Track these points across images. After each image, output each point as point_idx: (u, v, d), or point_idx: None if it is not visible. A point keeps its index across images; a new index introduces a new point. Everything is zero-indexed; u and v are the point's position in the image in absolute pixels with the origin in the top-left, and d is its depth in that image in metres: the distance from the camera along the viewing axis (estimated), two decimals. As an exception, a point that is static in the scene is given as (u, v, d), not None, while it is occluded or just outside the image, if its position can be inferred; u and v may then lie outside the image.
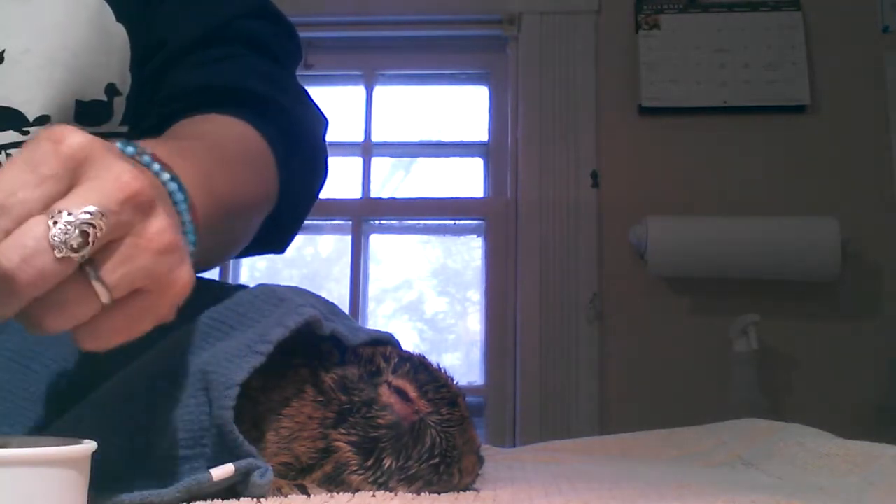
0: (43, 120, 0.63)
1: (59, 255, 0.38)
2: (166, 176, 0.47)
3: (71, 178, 0.39)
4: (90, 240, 0.38)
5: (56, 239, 0.38)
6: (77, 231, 0.38)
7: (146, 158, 0.47)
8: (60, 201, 0.38)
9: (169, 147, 0.51)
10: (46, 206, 0.38)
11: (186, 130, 0.65)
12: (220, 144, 0.62)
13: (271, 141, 0.71)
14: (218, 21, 0.74)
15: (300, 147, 0.75)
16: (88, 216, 0.38)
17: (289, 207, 0.74)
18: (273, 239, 0.77)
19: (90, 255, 0.39)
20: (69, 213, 0.38)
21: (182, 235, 0.45)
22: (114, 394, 0.51)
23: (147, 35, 0.71)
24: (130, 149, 0.47)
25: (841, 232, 1.88)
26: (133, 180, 0.40)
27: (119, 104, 0.69)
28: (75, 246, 0.38)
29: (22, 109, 0.62)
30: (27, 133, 0.62)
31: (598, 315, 2.01)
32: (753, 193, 2.04)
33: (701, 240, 1.94)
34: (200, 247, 0.50)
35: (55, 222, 0.38)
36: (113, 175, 0.40)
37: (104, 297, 0.40)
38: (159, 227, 0.41)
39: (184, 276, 0.43)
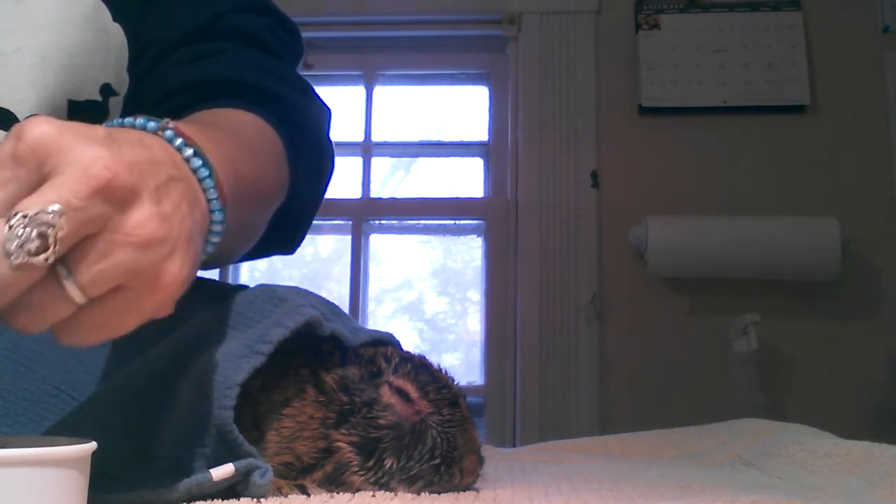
0: None
1: (16, 262, 0.35)
2: (189, 151, 0.45)
3: (38, 174, 0.37)
4: (50, 241, 0.35)
5: (10, 245, 0.35)
6: (35, 233, 0.35)
7: (168, 133, 0.44)
8: (20, 202, 0.36)
9: (191, 125, 0.48)
10: (9, 210, 0.36)
11: (200, 120, 0.62)
12: (237, 133, 0.60)
13: (279, 132, 0.69)
14: (209, 15, 0.72)
15: (305, 139, 0.73)
16: (47, 216, 0.35)
17: (297, 203, 0.71)
18: (282, 238, 0.74)
19: (57, 256, 0.36)
20: (24, 216, 0.35)
21: (194, 222, 0.42)
22: (114, 394, 0.51)
23: (139, 34, 0.69)
24: (152, 124, 0.45)
25: (841, 232, 1.88)
26: (103, 170, 0.37)
27: (115, 104, 0.68)
28: (32, 250, 0.35)
29: (13, 109, 0.61)
30: None
31: (598, 315, 2.01)
32: (753, 193, 2.04)
33: (701, 240, 1.94)
34: (226, 229, 0.48)
35: (10, 227, 0.35)
36: (80, 167, 0.36)
37: (77, 298, 0.37)
38: (140, 218, 0.38)
39: (172, 271, 0.39)
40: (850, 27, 2.08)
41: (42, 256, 0.35)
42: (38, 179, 0.37)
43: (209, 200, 0.46)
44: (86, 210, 0.36)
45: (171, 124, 0.45)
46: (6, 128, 0.61)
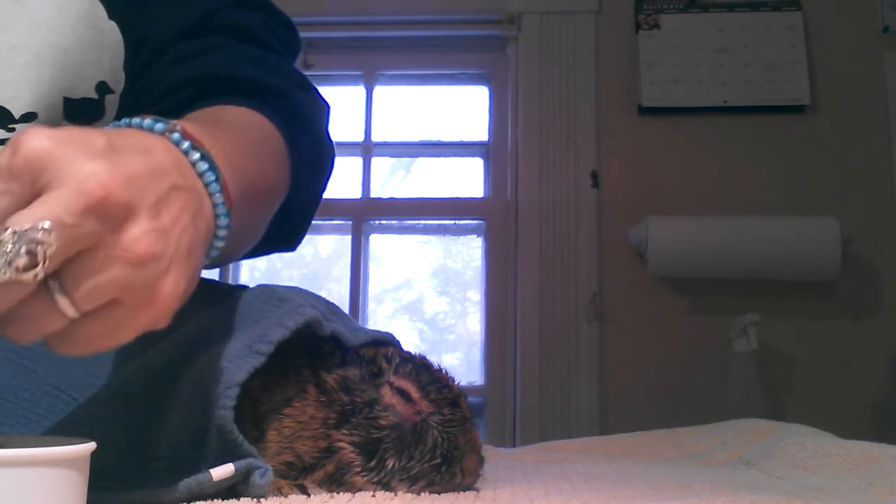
0: (29, 117, 0.62)
1: (3, 278, 0.35)
2: (196, 155, 0.44)
3: (32, 189, 0.36)
4: (39, 258, 0.35)
5: None
6: (24, 249, 0.35)
7: (176, 135, 0.44)
8: (11, 218, 0.36)
9: (198, 126, 0.48)
10: (0, 224, 0.36)
11: (202, 119, 0.62)
12: (241, 132, 0.60)
13: (280, 128, 0.68)
14: (203, 12, 0.71)
15: (305, 134, 0.72)
16: (37, 233, 0.35)
17: (297, 200, 0.71)
18: (283, 235, 0.73)
19: (47, 272, 0.36)
20: (13, 232, 0.35)
21: (200, 228, 0.42)
22: (114, 394, 0.51)
23: (134, 31, 0.69)
24: (160, 125, 0.44)
25: (841, 232, 1.88)
26: (98, 187, 0.36)
27: (111, 102, 0.67)
28: (21, 266, 0.35)
29: (8, 106, 0.61)
30: (13, 130, 0.61)
31: (598, 315, 2.01)
32: (753, 193, 2.04)
33: (701, 240, 1.94)
34: (231, 230, 0.47)
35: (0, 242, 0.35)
36: (74, 183, 0.36)
37: (69, 312, 0.37)
38: (135, 234, 0.38)
39: (168, 287, 0.39)
40: (850, 27, 2.08)
41: (31, 273, 0.35)
42: (32, 194, 0.36)
43: (214, 205, 0.45)
44: (78, 227, 0.36)
45: (179, 126, 0.45)
46: (3, 125, 0.61)
